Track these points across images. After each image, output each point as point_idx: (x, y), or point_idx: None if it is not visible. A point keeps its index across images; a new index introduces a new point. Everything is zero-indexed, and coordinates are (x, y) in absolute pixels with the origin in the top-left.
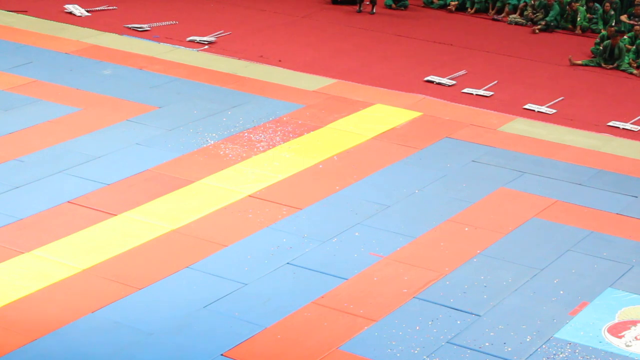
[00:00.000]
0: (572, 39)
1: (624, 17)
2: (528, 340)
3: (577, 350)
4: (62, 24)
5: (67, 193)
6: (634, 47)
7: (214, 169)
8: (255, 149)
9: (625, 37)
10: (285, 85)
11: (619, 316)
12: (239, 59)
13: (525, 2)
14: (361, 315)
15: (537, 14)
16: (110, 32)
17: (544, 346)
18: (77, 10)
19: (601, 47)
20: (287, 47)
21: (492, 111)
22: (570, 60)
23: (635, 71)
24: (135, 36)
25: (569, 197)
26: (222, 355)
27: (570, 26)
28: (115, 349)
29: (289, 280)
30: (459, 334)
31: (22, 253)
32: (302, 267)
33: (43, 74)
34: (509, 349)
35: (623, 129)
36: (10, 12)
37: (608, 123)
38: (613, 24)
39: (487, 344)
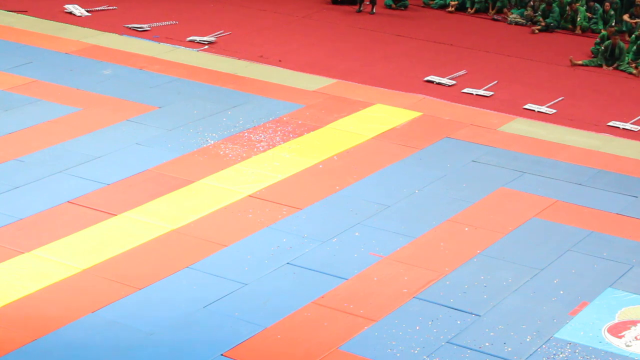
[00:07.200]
0: (572, 39)
1: (626, 17)
2: (528, 340)
3: (577, 350)
4: (62, 24)
5: (67, 193)
6: (635, 47)
7: (214, 169)
8: (255, 149)
9: (632, 36)
10: (285, 85)
11: (619, 316)
12: (239, 59)
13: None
14: (361, 315)
15: (537, 15)
16: (110, 32)
17: (544, 346)
18: (77, 10)
19: (602, 47)
20: (287, 47)
21: (492, 111)
22: (571, 60)
23: (635, 71)
24: (135, 36)
25: (569, 197)
26: (222, 355)
27: (570, 26)
28: (115, 349)
29: (289, 280)
30: (459, 334)
31: (22, 253)
32: (302, 267)
33: (43, 74)
34: (509, 349)
35: (623, 129)
36: (10, 12)
37: (608, 123)
38: (613, 24)
39: (487, 344)
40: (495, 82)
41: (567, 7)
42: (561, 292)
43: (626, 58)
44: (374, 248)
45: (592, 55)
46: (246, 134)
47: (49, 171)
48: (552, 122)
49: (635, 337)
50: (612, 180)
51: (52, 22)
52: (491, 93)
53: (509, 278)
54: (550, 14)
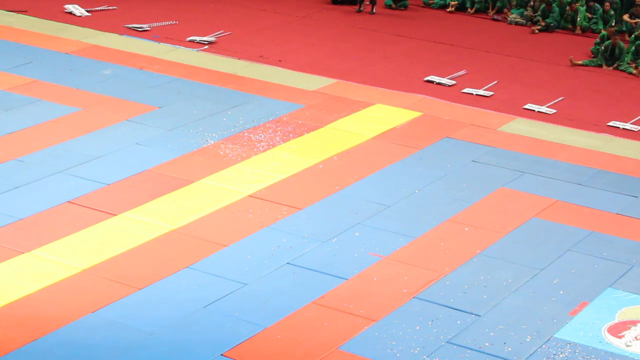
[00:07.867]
0: (572, 39)
1: (626, 17)
2: (528, 340)
3: (577, 350)
4: (62, 24)
5: (67, 193)
6: (634, 47)
7: (214, 169)
8: (255, 149)
9: (632, 36)
10: (285, 85)
11: (619, 316)
12: (239, 59)
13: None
14: (361, 315)
15: (537, 15)
16: (110, 32)
17: (544, 346)
18: (77, 10)
19: (602, 47)
20: (287, 47)
21: (492, 111)
22: (571, 60)
23: (635, 71)
24: (135, 36)
25: (569, 197)
26: (222, 355)
27: (570, 26)
28: (115, 349)
29: (289, 280)
30: (459, 334)
31: (22, 253)
32: (302, 267)
33: (43, 74)
34: (509, 349)
35: (623, 129)
36: (10, 12)
37: (608, 123)
38: (613, 24)
39: (487, 344)
40: (495, 82)
41: (567, 7)
42: (561, 292)
43: (626, 58)
44: (374, 248)
45: (592, 55)
46: (246, 134)
47: (49, 171)
48: (552, 122)
49: (635, 337)
50: (612, 180)
51: (52, 22)
52: (491, 93)
53: (509, 278)
54: (550, 14)
